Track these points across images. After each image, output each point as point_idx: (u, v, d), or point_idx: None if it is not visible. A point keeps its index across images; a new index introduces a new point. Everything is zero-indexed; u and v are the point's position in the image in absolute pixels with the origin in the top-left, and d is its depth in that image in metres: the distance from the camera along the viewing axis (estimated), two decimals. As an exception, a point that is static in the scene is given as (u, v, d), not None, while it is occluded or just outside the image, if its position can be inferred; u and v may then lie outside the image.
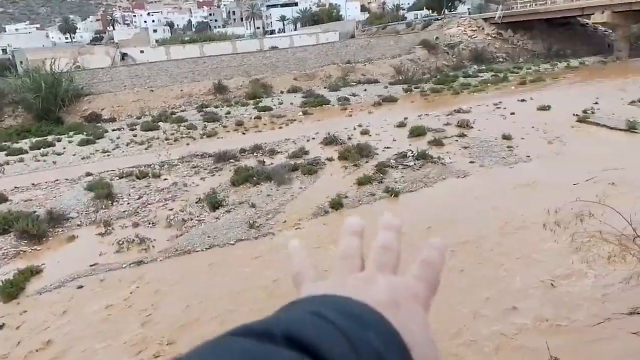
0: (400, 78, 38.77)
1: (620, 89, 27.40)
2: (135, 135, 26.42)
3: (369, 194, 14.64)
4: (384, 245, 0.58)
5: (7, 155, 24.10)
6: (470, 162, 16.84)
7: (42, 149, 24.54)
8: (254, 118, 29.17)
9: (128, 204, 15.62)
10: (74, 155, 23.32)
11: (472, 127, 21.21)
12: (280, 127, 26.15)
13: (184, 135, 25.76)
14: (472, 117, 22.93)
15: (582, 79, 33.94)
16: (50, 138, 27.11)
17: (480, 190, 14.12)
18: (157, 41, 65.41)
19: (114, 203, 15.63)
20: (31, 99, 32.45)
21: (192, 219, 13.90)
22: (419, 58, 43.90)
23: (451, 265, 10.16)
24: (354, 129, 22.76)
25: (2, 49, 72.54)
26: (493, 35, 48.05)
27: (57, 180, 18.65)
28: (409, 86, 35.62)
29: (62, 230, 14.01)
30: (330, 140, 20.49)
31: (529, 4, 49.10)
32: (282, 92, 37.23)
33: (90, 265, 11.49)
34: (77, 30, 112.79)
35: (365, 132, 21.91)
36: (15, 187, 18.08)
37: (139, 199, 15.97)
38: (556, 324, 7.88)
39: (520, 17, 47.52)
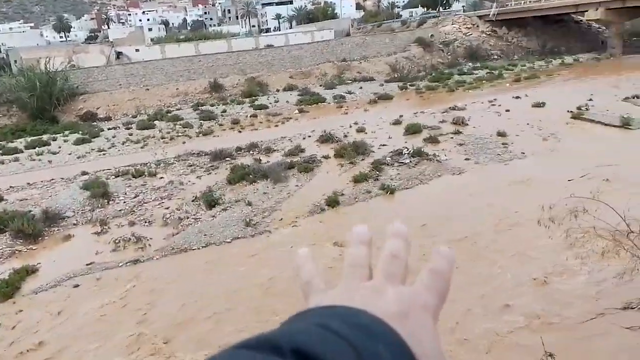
0: (396, 76, 38.80)
1: (614, 85, 27.54)
2: (131, 134, 26.36)
3: (365, 191, 14.67)
4: (393, 254, 0.57)
5: (2, 154, 24.02)
6: (466, 159, 16.90)
7: (37, 148, 24.45)
8: (250, 116, 29.15)
9: (124, 202, 15.60)
10: (69, 154, 23.25)
11: (467, 125, 21.28)
12: (276, 125, 26.15)
13: (180, 134, 25.72)
14: (467, 114, 23.00)
15: (576, 75, 34.08)
16: (45, 137, 27.00)
17: (476, 187, 14.18)
18: (152, 40, 65.13)
19: (110, 202, 15.61)
20: (26, 98, 32.30)
21: (188, 218, 13.90)
22: (414, 56, 43.96)
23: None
24: (350, 126, 22.78)
25: (-4, 48, 72.05)
26: (488, 33, 48.15)
27: (52, 179, 18.60)
28: (405, 84, 35.67)
29: (58, 230, 13.98)
30: (326, 138, 20.51)
31: (523, 2, 49.25)
32: (277, 91, 37.20)
33: (87, 264, 11.48)
34: (72, 29, 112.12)
35: (361, 130, 21.94)
36: (11, 187, 18.01)
37: (135, 197, 15.95)
38: (550, 320, 7.94)
39: (515, 14, 47.63)
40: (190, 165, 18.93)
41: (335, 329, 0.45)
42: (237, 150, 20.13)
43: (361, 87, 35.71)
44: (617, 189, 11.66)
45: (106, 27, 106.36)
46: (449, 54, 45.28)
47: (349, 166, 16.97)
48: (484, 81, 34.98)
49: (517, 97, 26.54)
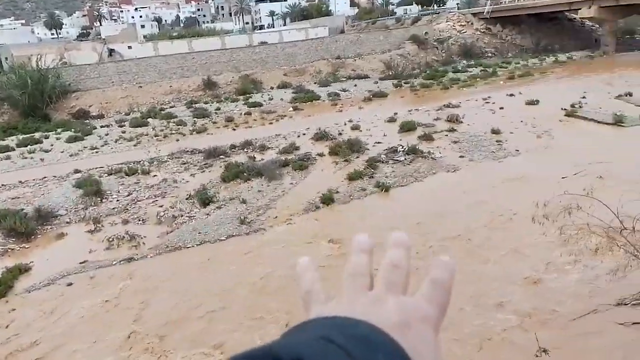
0: (390, 73, 38.81)
1: (607, 83, 27.69)
2: (124, 132, 26.20)
3: (360, 189, 14.67)
4: (394, 264, 0.56)
5: (-7, 152, 23.78)
6: (460, 156, 16.94)
7: (29, 146, 24.23)
8: (244, 114, 29.06)
9: (117, 200, 15.51)
10: (62, 152, 23.08)
11: (461, 122, 21.32)
12: (271, 123, 26.09)
13: (174, 132, 25.60)
14: (462, 111, 23.05)
15: (569, 73, 34.24)
16: (37, 135, 26.78)
17: (470, 184, 14.22)
18: (144, 37, 64.79)
19: (103, 200, 15.51)
20: (17, 95, 32.02)
21: (182, 216, 13.84)
22: (408, 53, 43.98)
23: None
24: (345, 124, 22.77)
25: (-13, 45, 71.32)
26: (482, 30, 48.25)
27: (45, 177, 18.45)
28: (399, 81, 35.69)
29: (50, 228, 13.88)
30: (320, 136, 20.49)
31: (517, -1, 49.41)
32: (272, 88, 37.10)
33: (80, 263, 11.41)
34: (63, 26, 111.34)
35: (355, 128, 21.93)
36: (2, 185, 17.86)
37: (128, 195, 15.86)
38: (544, 317, 7.97)
39: (509, 11, 47.76)
40: (184, 163, 18.84)
41: (336, 340, 0.44)
42: (231, 148, 20.07)
43: (356, 85, 35.69)
44: (610, 186, 11.72)
45: (98, 24, 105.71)
46: (443, 51, 45.34)
47: (343, 164, 16.97)
48: (478, 79, 35.06)
49: (511, 95, 26.63)
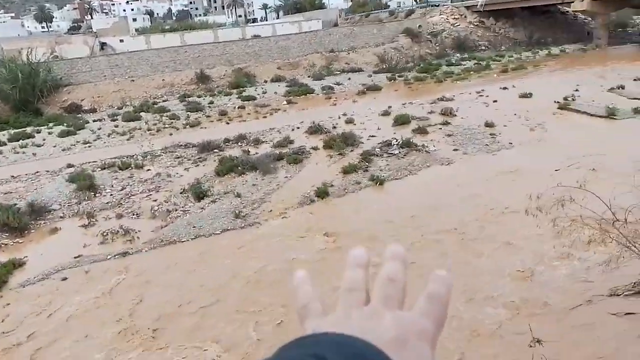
0: (384, 67, 38.77)
1: (599, 76, 27.82)
2: (116, 126, 26.03)
3: (355, 182, 14.69)
4: (390, 277, 0.56)
5: (-16, 147, 23.54)
6: (454, 149, 16.99)
7: (21, 141, 24.04)
8: (238, 108, 28.95)
9: (111, 195, 15.44)
10: (54, 146, 22.91)
11: (455, 115, 21.37)
12: (265, 117, 26.01)
13: (167, 126, 25.46)
14: (456, 105, 23.10)
15: (562, 66, 34.37)
16: (29, 129, 26.54)
17: (464, 177, 14.28)
18: (136, 30, 64.18)
19: (97, 194, 15.44)
20: (8, 89, 31.68)
21: (176, 210, 13.81)
22: (402, 46, 43.93)
23: (435, 253, 10.29)
24: (339, 117, 22.75)
25: (-24, 39, 70.42)
26: (475, 24, 48.26)
27: (37, 172, 18.31)
28: (393, 75, 35.66)
29: (44, 223, 13.81)
30: (315, 130, 20.46)
31: (510, -8, 49.35)
32: (265, 82, 36.96)
33: (75, 257, 11.37)
34: (54, 19, 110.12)
35: (350, 121, 21.93)
36: (-6, 180, 17.71)
37: (122, 190, 15.79)
38: (537, 308, 8.05)
39: (502, 5, 47.77)
40: (178, 157, 18.77)
41: (329, 359, 0.44)
42: (225, 142, 20.00)
43: (349, 78, 35.63)
44: (603, 179, 11.81)
45: (89, 17, 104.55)
46: (437, 44, 45.34)
47: (338, 157, 16.97)
48: (471, 72, 35.10)
49: (505, 88, 26.70)
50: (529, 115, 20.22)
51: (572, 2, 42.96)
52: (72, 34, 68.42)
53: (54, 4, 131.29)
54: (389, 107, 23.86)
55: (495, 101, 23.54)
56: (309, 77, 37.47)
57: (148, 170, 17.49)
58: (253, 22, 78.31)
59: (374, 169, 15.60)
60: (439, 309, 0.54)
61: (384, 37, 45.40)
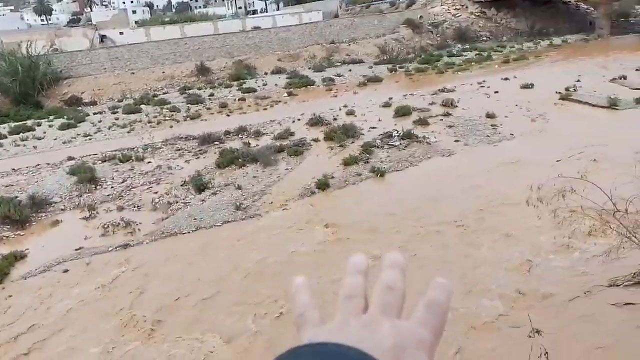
0: (385, 58, 38.56)
1: (602, 66, 27.66)
2: (117, 119, 25.98)
3: (355, 174, 14.68)
4: (389, 285, 0.56)
5: (-15, 140, 23.54)
6: (455, 140, 16.94)
7: (21, 134, 24.02)
8: (238, 100, 28.86)
9: (112, 187, 15.46)
10: (54, 139, 22.89)
11: (456, 106, 21.29)
12: (265, 109, 25.93)
13: (167, 118, 25.41)
14: (457, 96, 23.00)
15: (564, 57, 34.15)
16: (29, 122, 26.49)
17: (465, 168, 14.25)
18: (136, 22, 63.88)
19: (98, 187, 15.46)
20: (8, 82, 31.61)
21: (177, 202, 13.83)
22: (403, 37, 43.68)
23: (435, 245, 10.30)
24: (340, 109, 22.68)
25: (-24, 31, 70.16)
26: (476, 14, 47.91)
27: (38, 164, 18.33)
28: (394, 66, 35.48)
29: (45, 215, 13.84)
30: (315, 121, 20.41)
31: (512, -18, 48.91)
32: (266, 73, 36.81)
33: (76, 249, 11.41)
34: (53, 12, 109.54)
35: (350, 113, 21.86)
36: (-5, 173, 17.74)
37: (122, 182, 15.80)
38: (537, 298, 8.06)
39: (504, -5, 47.38)
40: (178, 150, 18.75)
41: None
42: (225, 134, 19.97)
43: (350, 70, 35.47)
44: (604, 169, 11.79)
45: (89, 9, 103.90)
46: (438, 35, 45.06)
47: (338, 149, 16.94)
48: (473, 63, 34.91)
49: (506, 79, 26.57)
50: (530, 106, 20.14)
51: (575, -9, 42.60)
52: (72, 26, 68.11)
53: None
54: (390, 98, 23.77)
55: (496, 92, 23.43)
56: (309, 68, 37.31)
57: (149, 162, 17.49)
58: (253, 14, 77.87)
59: (375, 160, 15.58)
60: (438, 317, 0.54)
61: (385, 28, 45.13)
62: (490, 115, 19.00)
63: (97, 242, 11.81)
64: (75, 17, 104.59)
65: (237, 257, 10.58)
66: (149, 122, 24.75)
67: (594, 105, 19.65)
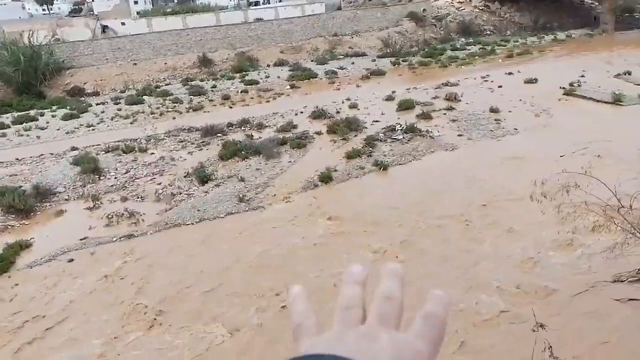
0: (388, 51, 38.38)
1: (606, 62, 27.56)
2: (119, 110, 25.95)
3: (358, 167, 14.69)
4: (387, 295, 0.56)
5: (-12, 130, 23.53)
6: (459, 135, 16.93)
7: (24, 124, 23.99)
8: (241, 92, 28.79)
9: (115, 178, 15.48)
10: (58, 129, 22.88)
11: (460, 101, 21.23)
12: (268, 101, 25.88)
13: (170, 109, 25.37)
14: (460, 90, 22.93)
15: (568, 52, 34.01)
16: (32, 112, 26.47)
17: (469, 163, 14.25)
18: (138, 13, 63.56)
19: (101, 177, 15.48)
20: (10, 72, 31.53)
21: (181, 193, 13.86)
22: (406, 30, 43.45)
23: (438, 240, 10.33)
24: (342, 102, 22.62)
25: (-23, 20, 69.90)
26: (480, 8, 47.64)
27: (42, 155, 18.33)
28: (397, 59, 35.35)
29: (49, 205, 13.87)
30: (318, 114, 20.37)
31: (517, -24, 48.57)
32: (268, 66, 36.68)
33: (80, 239, 11.46)
34: (55, 2, 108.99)
35: (353, 106, 21.81)
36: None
37: (126, 173, 15.82)
38: (541, 293, 8.10)
39: (508, -11, 47.10)
40: (181, 141, 18.75)
41: None
42: (228, 126, 19.93)
43: (353, 63, 35.35)
44: (608, 165, 11.80)
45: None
46: (441, 29, 44.82)
47: (341, 142, 16.94)
48: (476, 57, 34.78)
49: (510, 73, 26.46)
50: (534, 100, 20.09)
51: (579, -14, 42.30)
52: (74, 16, 67.77)
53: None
54: (393, 92, 23.72)
55: (500, 86, 23.36)
56: (312, 61, 37.18)
57: (152, 153, 17.49)
58: (255, 5, 77.37)
59: (378, 154, 15.58)
60: (435, 329, 0.53)
61: (388, 21, 44.88)
62: (494, 110, 18.97)
63: (102, 232, 11.85)
64: (77, 7, 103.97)
65: (239, 249, 10.61)
66: (152, 113, 24.73)
67: (598, 101, 19.60)
